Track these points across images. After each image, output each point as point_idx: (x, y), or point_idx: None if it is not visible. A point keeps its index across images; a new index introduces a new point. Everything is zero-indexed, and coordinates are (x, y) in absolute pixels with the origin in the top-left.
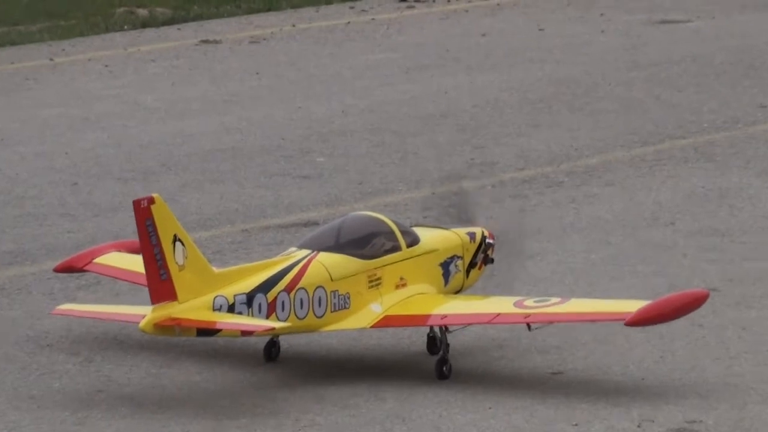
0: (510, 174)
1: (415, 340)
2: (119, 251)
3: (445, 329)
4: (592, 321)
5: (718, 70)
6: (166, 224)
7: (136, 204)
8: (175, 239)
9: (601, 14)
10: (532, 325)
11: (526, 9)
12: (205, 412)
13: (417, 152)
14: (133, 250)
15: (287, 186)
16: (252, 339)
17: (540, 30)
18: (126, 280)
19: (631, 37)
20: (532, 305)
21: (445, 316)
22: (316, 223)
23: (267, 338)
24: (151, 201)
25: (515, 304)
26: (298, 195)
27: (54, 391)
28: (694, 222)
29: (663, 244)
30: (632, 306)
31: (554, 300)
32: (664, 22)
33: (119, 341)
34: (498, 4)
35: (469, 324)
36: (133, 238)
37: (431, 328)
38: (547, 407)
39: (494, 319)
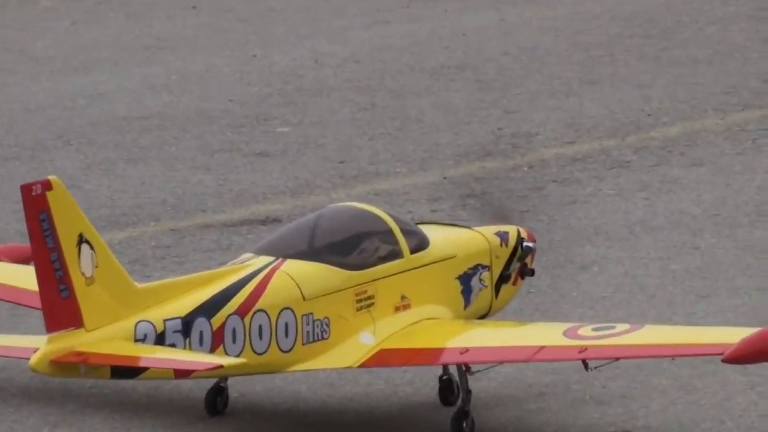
0: (554, 149)
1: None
2: None
3: (465, 369)
4: (675, 357)
5: None
6: (69, 219)
7: (25, 191)
8: (81, 240)
9: None
10: (590, 364)
11: None
12: None
13: (422, 119)
14: (19, 258)
15: (236, 167)
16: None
17: None
18: (9, 302)
19: None
20: (589, 335)
21: (465, 351)
22: (278, 220)
23: (211, 382)
24: (47, 186)
25: (566, 334)
26: (252, 180)
27: None
28: None
29: None
30: (731, 336)
31: (621, 327)
32: None
33: None
34: None
35: (500, 362)
36: (20, 241)
37: (445, 368)
38: None
39: (536, 355)
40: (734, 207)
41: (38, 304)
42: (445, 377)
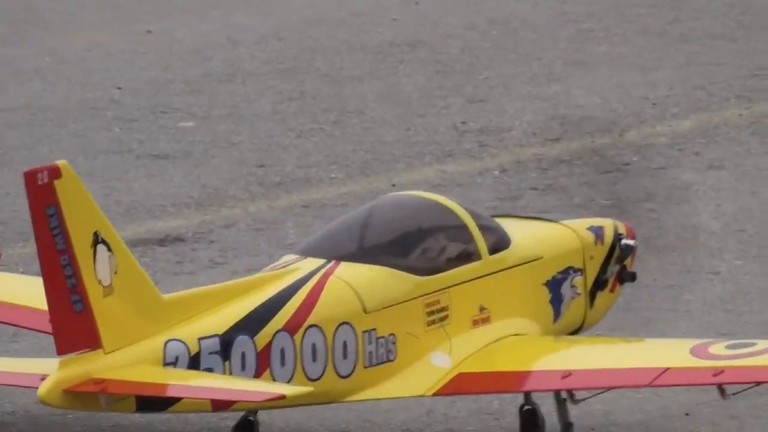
0: (533, 149)
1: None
2: None
3: (568, 398)
4: None
5: None
6: (82, 214)
7: (30, 179)
8: (97, 240)
9: None
10: (728, 390)
11: None
12: None
13: (363, 111)
14: None
15: (127, 173)
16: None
17: None
18: (6, 323)
19: None
20: (724, 354)
21: (568, 374)
22: (181, 240)
23: (238, 416)
24: (56, 173)
25: (694, 352)
26: (147, 189)
27: None
28: None
29: None
30: None
31: (764, 344)
32: None
33: None
34: None
35: (615, 387)
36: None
37: (528, 397)
38: None
39: (658, 379)
40: (763, 221)
41: (43, 326)
42: (527, 407)
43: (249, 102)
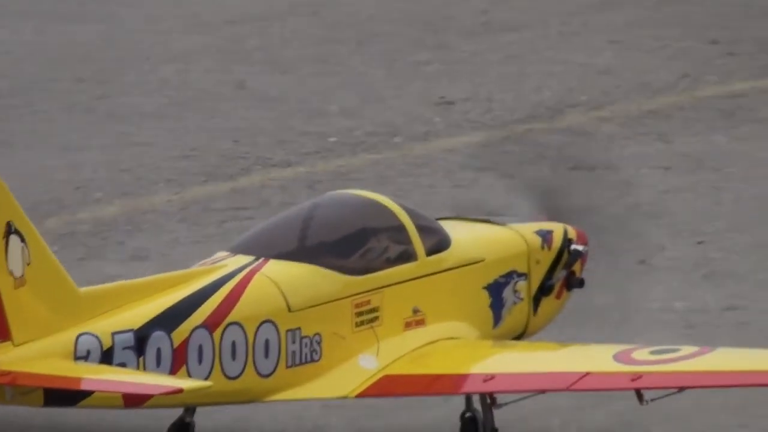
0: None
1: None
2: None
3: (490, 401)
4: (753, 386)
5: None
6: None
7: None
8: (10, 230)
9: None
10: (646, 395)
11: None
12: None
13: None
14: None
15: None
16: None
17: None
18: None
19: None
20: (646, 359)
21: (491, 377)
22: None
23: (174, 416)
24: None
25: (617, 358)
26: None
27: None
28: None
29: None
30: None
31: (687, 350)
32: None
33: None
34: None
35: (535, 391)
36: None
37: (469, 402)
38: None
39: (577, 383)
40: None
41: None
42: (468, 414)
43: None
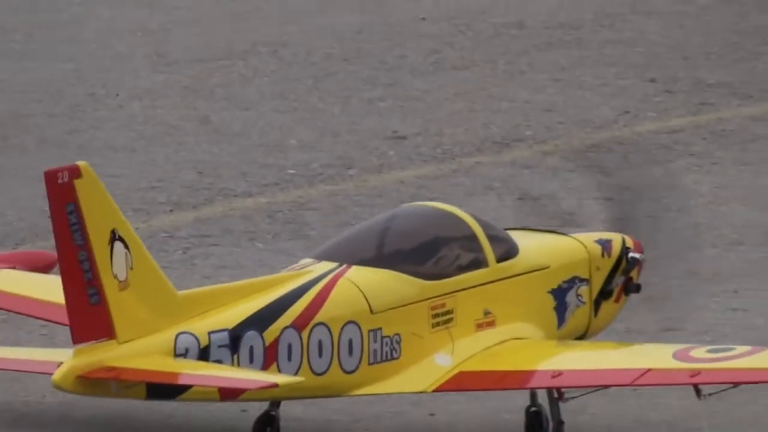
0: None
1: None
2: (14, 268)
3: (558, 396)
4: None
5: None
6: (100, 212)
7: (50, 178)
8: (115, 237)
9: None
10: (704, 390)
11: None
12: None
13: None
14: (38, 266)
15: None
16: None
17: None
18: (26, 314)
19: None
20: (704, 357)
21: (558, 374)
22: None
23: (263, 407)
24: (75, 173)
25: (676, 356)
26: None
27: None
28: None
29: None
30: None
31: (742, 349)
32: None
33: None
34: None
35: (598, 387)
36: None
37: (534, 398)
38: None
39: (639, 379)
40: None
41: (59, 318)
42: (533, 409)
43: None
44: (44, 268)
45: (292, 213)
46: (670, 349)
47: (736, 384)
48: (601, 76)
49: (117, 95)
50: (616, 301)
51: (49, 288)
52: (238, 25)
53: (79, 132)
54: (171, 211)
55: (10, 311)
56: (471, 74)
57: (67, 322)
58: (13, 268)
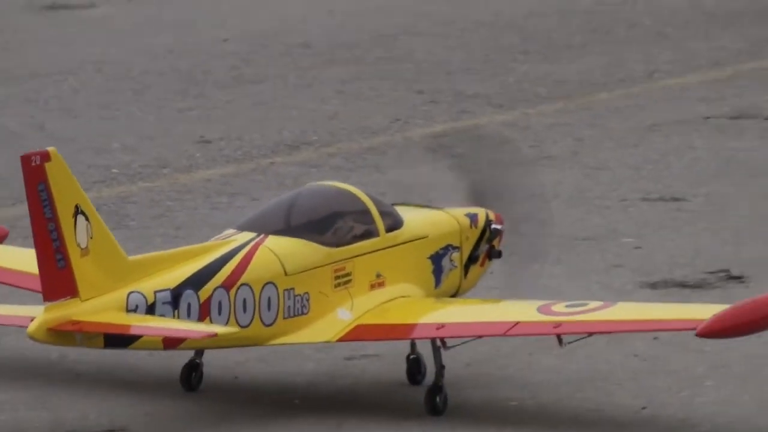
0: None
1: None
2: None
3: (441, 344)
4: (650, 331)
5: None
6: (66, 190)
7: (25, 161)
8: (77, 211)
9: None
10: (565, 339)
11: None
12: None
13: None
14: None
15: None
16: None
17: None
18: (7, 284)
19: None
20: (563, 311)
21: (441, 326)
22: None
23: (186, 358)
24: (46, 158)
25: (540, 310)
26: None
27: None
28: None
29: None
30: (704, 312)
31: (594, 304)
32: None
33: None
34: None
35: (477, 336)
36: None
37: (413, 347)
38: None
39: (511, 330)
40: None
41: (27, 285)
42: (412, 356)
43: None
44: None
45: (115, 206)
46: (535, 304)
47: (591, 333)
48: (376, 88)
49: None
50: (482, 265)
51: (11, 258)
52: (68, 47)
53: None
54: (13, 204)
55: None
56: (266, 87)
57: (27, 287)
58: None
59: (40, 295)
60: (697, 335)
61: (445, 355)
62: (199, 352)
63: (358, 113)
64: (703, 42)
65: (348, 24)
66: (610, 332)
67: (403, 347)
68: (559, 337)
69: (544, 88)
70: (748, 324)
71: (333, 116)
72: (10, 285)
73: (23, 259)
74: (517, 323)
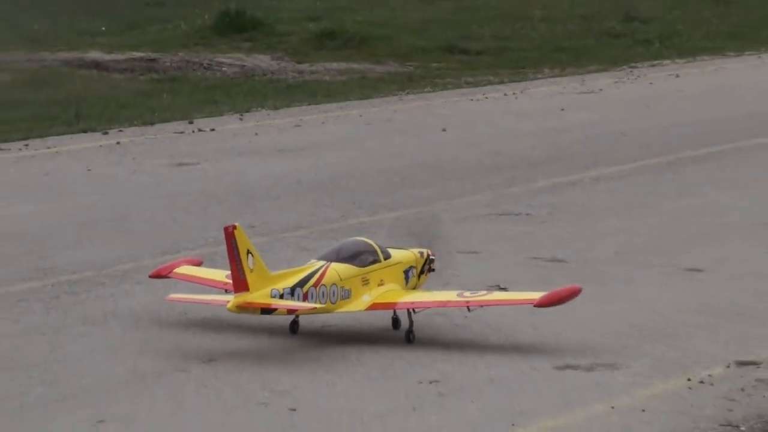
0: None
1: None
2: (188, 265)
3: (412, 311)
4: (510, 305)
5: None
6: (243, 242)
7: (226, 229)
8: (248, 252)
9: (133, 158)
10: (471, 308)
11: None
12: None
13: None
14: (194, 263)
15: None
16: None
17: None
18: (199, 283)
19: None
20: (469, 296)
21: (413, 303)
22: None
23: (290, 319)
24: (234, 228)
25: (458, 295)
26: None
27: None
28: None
29: None
30: (537, 294)
31: (483, 292)
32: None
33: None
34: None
35: (429, 307)
36: (194, 256)
37: (395, 311)
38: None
39: (446, 304)
40: None
41: (211, 285)
42: (394, 316)
43: None
44: (198, 264)
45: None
46: (455, 291)
47: (483, 305)
48: None
49: None
50: (426, 275)
51: (205, 273)
52: None
53: None
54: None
55: (189, 282)
56: None
57: (215, 286)
58: (188, 264)
59: (219, 291)
60: (535, 306)
61: (414, 318)
62: (297, 317)
63: None
64: None
65: None
66: (488, 305)
67: (389, 313)
68: (468, 307)
69: None
70: (560, 299)
71: None
72: (209, 286)
73: (213, 274)
74: (449, 301)
